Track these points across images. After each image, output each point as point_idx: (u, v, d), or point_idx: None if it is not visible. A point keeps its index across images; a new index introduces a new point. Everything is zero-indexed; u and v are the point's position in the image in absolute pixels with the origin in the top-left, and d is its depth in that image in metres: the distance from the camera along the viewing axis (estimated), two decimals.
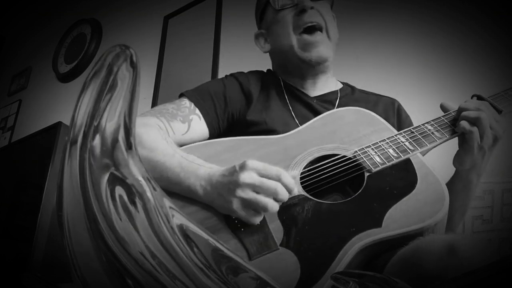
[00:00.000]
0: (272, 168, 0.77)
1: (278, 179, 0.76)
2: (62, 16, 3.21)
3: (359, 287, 0.45)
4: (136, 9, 2.77)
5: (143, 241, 0.43)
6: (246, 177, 0.75)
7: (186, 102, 1.04)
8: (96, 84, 0.47)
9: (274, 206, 0.76)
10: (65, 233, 0.44)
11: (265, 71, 1.20)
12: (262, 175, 0.76)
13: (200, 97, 1.05)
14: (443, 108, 0.94)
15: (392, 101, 1.16)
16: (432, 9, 1.67)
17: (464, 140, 0.88)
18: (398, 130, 1.09)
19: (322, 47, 1.05)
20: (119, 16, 2.85)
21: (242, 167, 0.76)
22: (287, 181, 0.77)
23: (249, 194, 0.75)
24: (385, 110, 1.11)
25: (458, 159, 0.90)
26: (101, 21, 2.97)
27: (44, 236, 1.98)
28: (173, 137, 0.95)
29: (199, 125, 1.02)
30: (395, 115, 1.12)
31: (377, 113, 1.06)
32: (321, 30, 1.06)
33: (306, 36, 1.05)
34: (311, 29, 1.05)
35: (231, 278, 0.45)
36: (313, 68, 1.08)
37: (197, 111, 1.02)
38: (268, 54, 1.19)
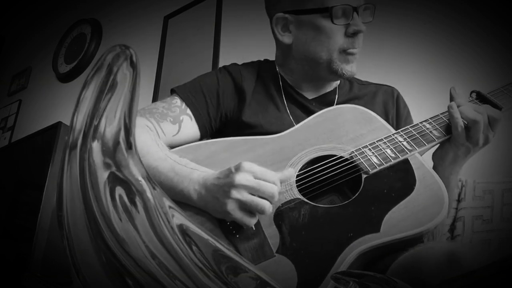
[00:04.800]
0: (268, 171, 0.75)
1: (274, 183, 0.75)
2: (62, 16, 3.21)
3: (359, 287, 0.45)
4: (136, 9, 2.77)
5: (143, 241, 0.43)
6: (242, 178, 0.73)
7: (177, 101, 1.00)
8: (96, 84, 0.47)
9: (270, 208, 0.74)
10: (65, 233, 0.44)
11: (262, 60, 1.15)
12: (258, 178, 0.74)
13: (192, 95, 1.01)
14: (452, 92, 0.92)
15: (392, 90, 1.13)
16: (433, 10, 1.68)
17: (453, 137, 0.87)
18: (397, 120, 1.07)
19: (356, 63, 1.00)
20: (119, 16, 2.86)
21: (238, 168, 0.74)
22: (280, 185, 0.76)
23: (244, 196, 0.73)
24: (384, 101, 1.09)
25: (440, 153, 0.89)
26: (101, 21, 2.97)
27: (44, 236, 1.98)
28: (163, 139, 0.93)
29: (190, 126, 0.98)
30: (395, 106, 1.10)
31: (376, 105, 1.05)
32: None
33: (348, 53, 0.99)
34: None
35: (231, 278, 0.45)
36: (335, 79, 1.04)
37: (188, 110, 0.99)
38: (268, 52, 1.16)
